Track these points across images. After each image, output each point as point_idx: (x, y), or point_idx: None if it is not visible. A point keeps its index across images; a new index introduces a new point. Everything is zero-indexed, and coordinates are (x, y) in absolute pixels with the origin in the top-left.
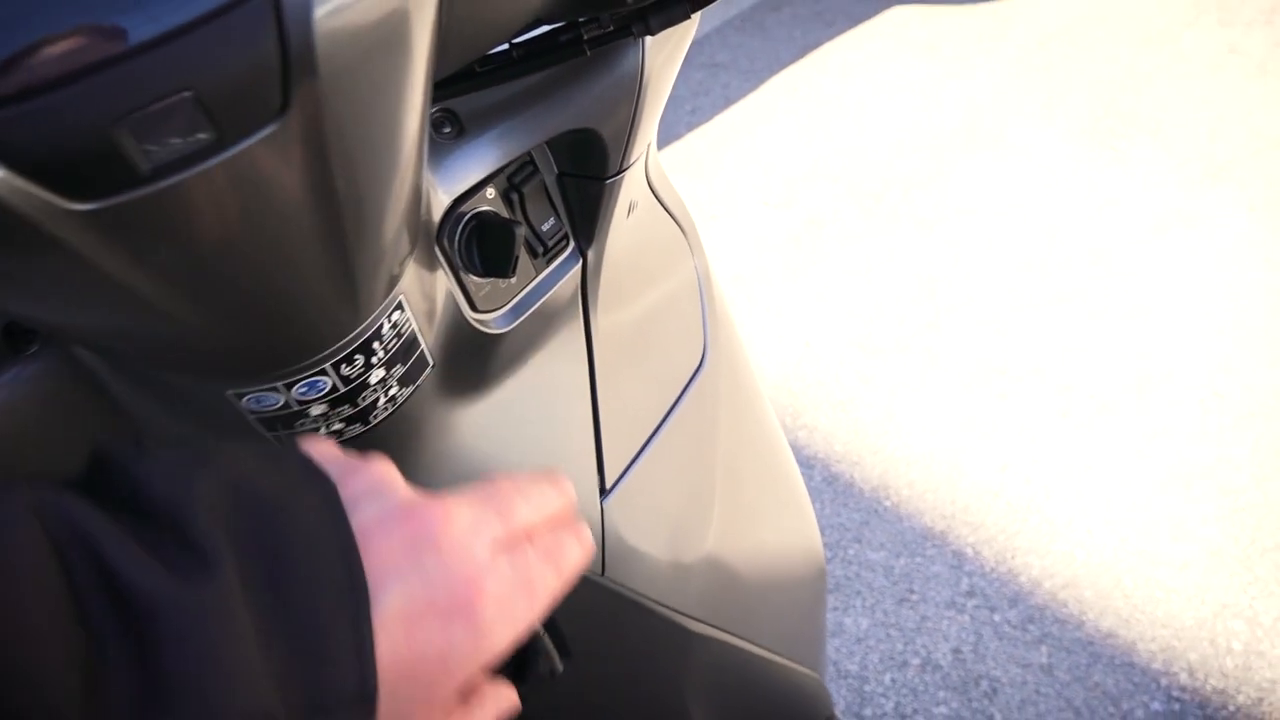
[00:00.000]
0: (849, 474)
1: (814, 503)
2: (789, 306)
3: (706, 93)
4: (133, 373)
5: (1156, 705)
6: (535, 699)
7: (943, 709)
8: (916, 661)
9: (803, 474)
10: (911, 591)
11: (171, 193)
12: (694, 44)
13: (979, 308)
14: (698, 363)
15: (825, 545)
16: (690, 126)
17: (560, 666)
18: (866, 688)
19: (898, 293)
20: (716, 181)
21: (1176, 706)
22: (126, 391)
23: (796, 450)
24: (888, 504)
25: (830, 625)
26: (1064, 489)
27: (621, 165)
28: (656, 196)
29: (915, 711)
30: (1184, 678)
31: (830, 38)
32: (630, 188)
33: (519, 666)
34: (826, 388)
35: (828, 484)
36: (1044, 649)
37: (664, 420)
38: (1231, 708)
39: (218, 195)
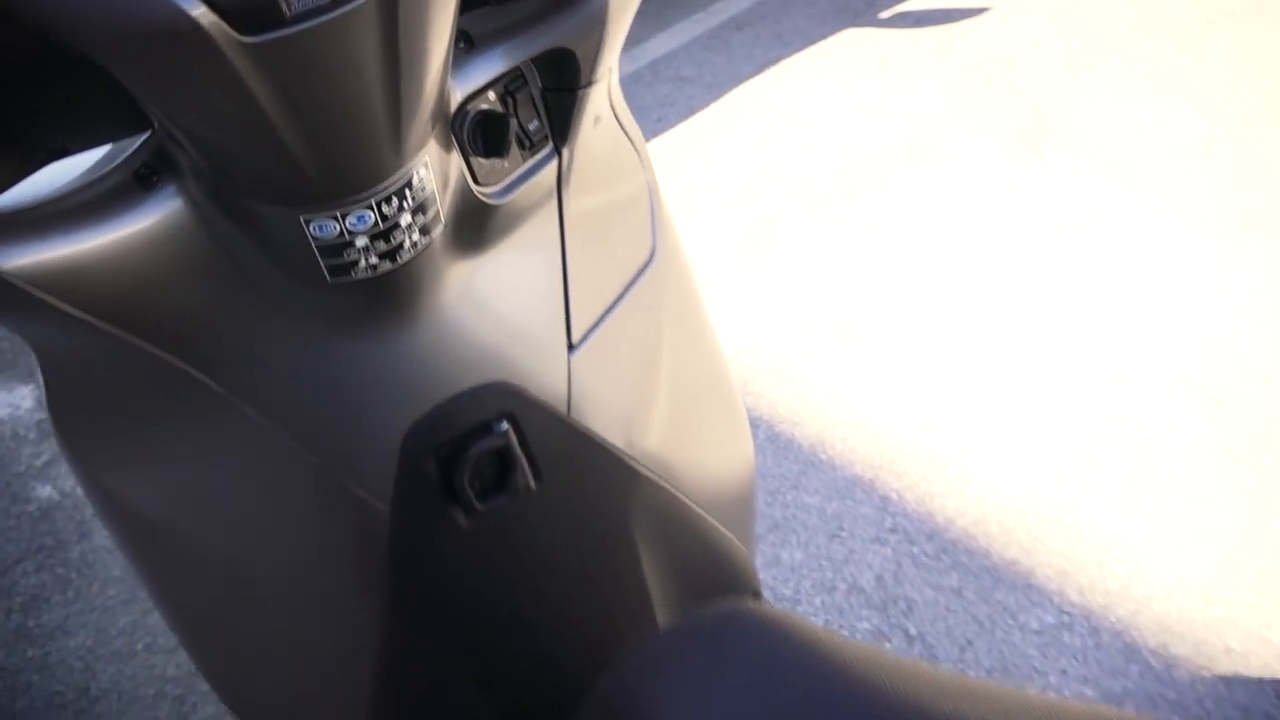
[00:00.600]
0: (790, 432)
1: (759, 455)
2: (742, 291)
3: (673, 103)
4: (229, 207)
5: (1049, 618)
6: (512, 510)
7: (865, 624)
8: (844, 586)
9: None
10: (841, 529)
11: (301, 35)
12: (662, 59)
13: (913, 296)
14: (648, 257)
15: (767, 492)
16: (656, 133)
17: (534, 484)
18: (799, 608)
19: (841, 282)
20: (679, 182)
21: (1066, 619)
22: (223, 223)
23: (747, 412)
24: (823, 457)
25: (768, 558)
26: (979, 445)
27: (591, 79)
28: (617, 119)
29: (841, 627)
30: (1074, 596)
31: (788, 55)
32: (597, 102)
33: (500, 481)
34: (772, 361)
35: (770, 441)
36: (955, 574)
37: (620, 298)
38: (1113, 619)
39: (327, 42)
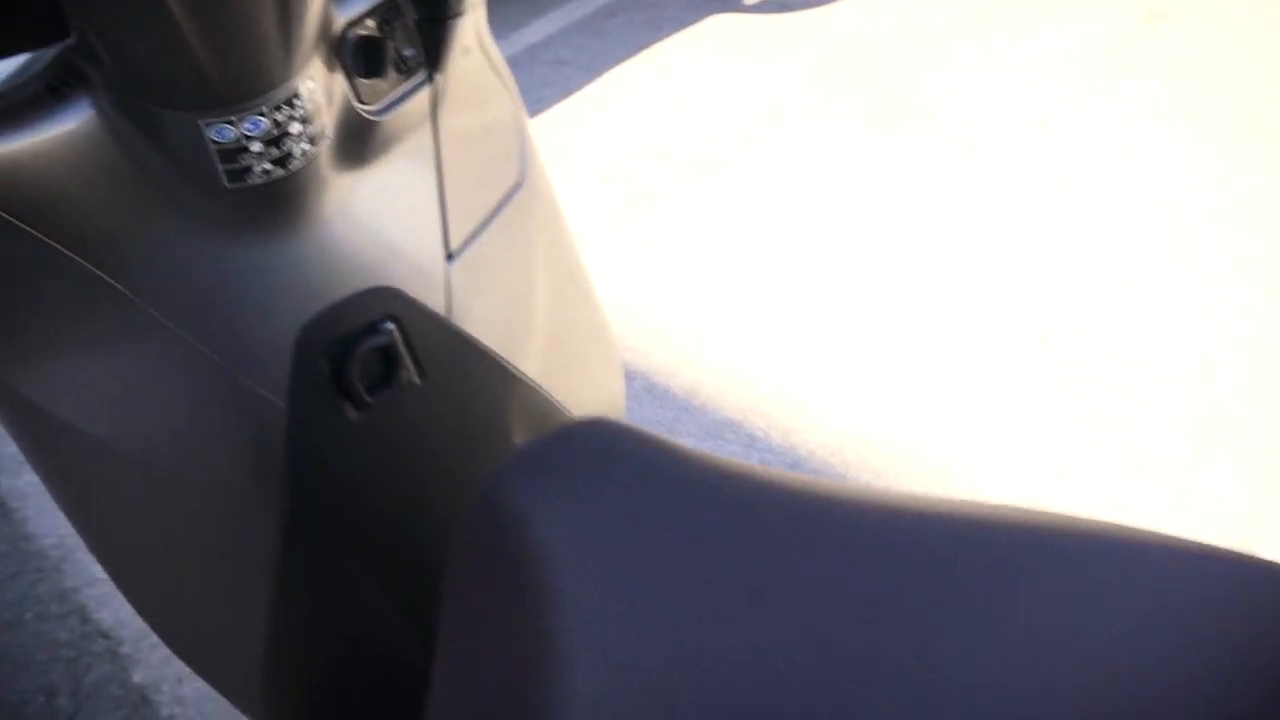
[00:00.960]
0: (665, 383)
1: (636, 404)
2: (618, 254)
3: (550, 84)
4: (137, 115)
5: None
6: (399, 405)
7: None
8: None
9: (627, 383)
10: None
11: None
12: (540, 43)
13: (776, 256)
14: (517, 180)
15: None
16: (536, 112)
17: (418, 380)
18: None
19: (710, 246)
20: (558, 156)
21: None
22: (131, 131)
23: (624, 365)
24: (696, 403)
25: None
26: (837, 387)
27: (459, 10)
28: (486, 53)
29: None
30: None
31: (659, 39)
32: (466, 33)
33: (387, 377)
34: (647, 318)
35: (647, 391)
36: None
37: (493, 216)
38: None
39: None
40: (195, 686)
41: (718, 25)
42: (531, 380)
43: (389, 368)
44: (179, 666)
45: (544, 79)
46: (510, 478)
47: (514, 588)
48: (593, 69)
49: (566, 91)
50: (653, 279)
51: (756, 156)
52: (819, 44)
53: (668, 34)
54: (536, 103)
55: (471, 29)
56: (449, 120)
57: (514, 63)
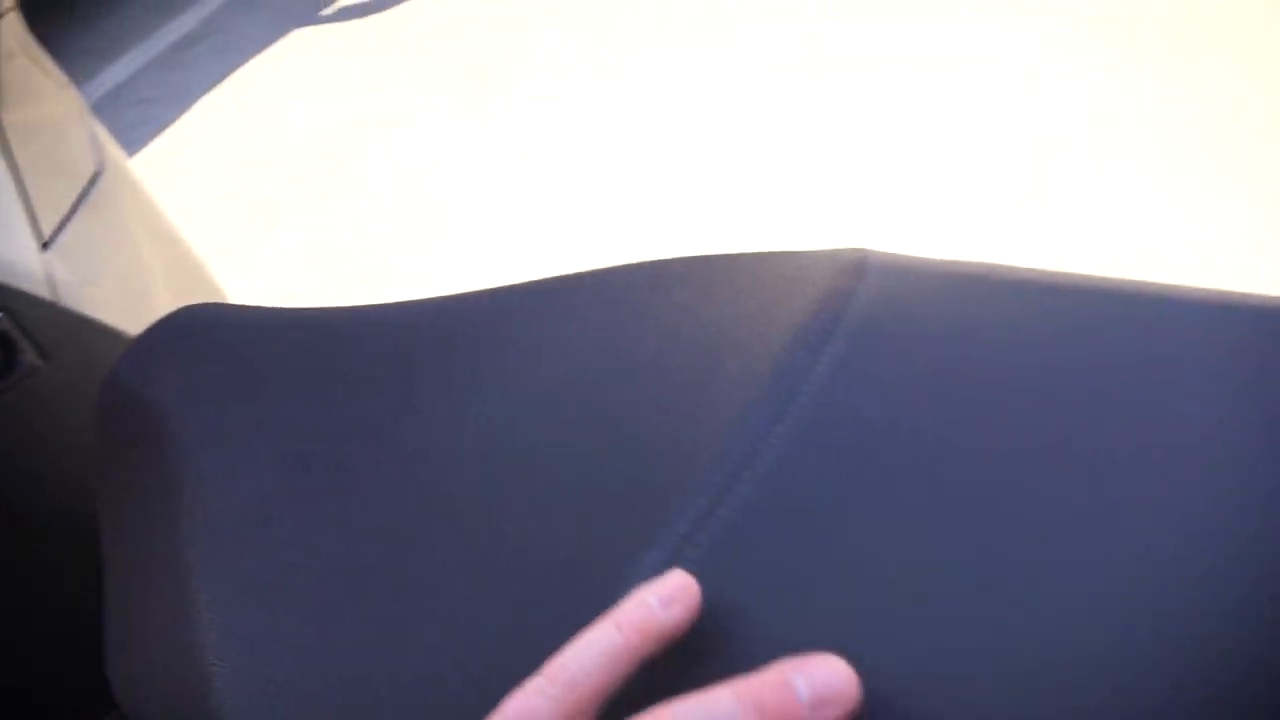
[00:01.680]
0: None
1: None
2: (258, 265)
3: (143, 124)
4: None
5: None
6: (24, 389)
7: None
8: None
9: None
10: None
11: None
12: (121, 87)
13: (404, 237)
14: (97, 168)
15: None
16: (133, 154)
17: (40, 362)
18: None
19: (340, 237)
20: (168, 192)
21: None
22: None
23: None
24: None
25: None
26: None
27: None
28: (32, 58)
29: None
30: None
31: (245, 61)
32: (6, 38)
33: (7, 362)
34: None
35: None
36: None
37: (80, 202)
38: None
39: None
40: None
41: (302, 38)
42: None
43: (8, 355)
44: None
45: (134, 120)
46: (124, 371)
47: (145, 482)
48: (182, 102)
49: (161, 127)
50: (296, 274)
51: (368, 148)
52: (406, 39)
53: (253, 54)
54: (132, 144)
55: (9, 34)
56: (10, 118)
57: (99, 110)
